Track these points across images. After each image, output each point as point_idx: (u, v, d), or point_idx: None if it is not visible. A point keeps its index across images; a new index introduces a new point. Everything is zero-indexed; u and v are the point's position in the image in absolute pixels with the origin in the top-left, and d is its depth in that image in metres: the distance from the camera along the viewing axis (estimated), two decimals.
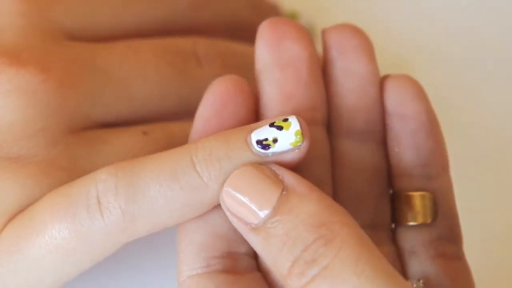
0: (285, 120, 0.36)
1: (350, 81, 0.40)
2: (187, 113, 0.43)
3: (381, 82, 0.40)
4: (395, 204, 0.40)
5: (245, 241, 0.36)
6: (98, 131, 0.41)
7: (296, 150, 0.36)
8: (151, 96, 0.42)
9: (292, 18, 0.52)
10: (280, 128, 0.36)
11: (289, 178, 0.35)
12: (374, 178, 0.40)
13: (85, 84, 0.40)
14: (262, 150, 0.35)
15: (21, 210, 0.38)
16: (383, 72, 0.53)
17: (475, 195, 0.50)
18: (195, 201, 0.36)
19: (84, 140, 0.40)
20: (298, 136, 0.35)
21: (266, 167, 0.35)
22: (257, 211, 0.34)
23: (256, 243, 0.35)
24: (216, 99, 0.38)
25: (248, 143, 0.36)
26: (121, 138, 0.41)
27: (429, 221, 0.39)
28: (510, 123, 0.52)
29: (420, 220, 0.39)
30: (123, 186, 0.35)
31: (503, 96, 0.51)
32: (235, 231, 0.36)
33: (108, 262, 0.44)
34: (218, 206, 0.36)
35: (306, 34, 0.39)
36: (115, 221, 0.35)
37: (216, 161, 0.35)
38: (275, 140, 0.35)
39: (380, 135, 0.40)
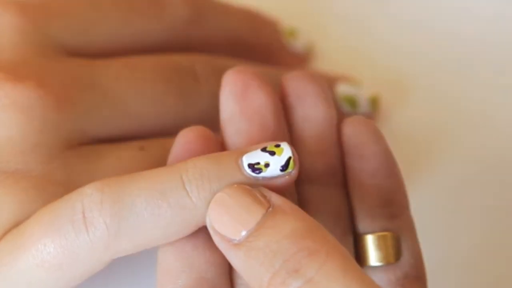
0: (277, 146, 0.36)
1: (309, 126, 0.40)
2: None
3: (338, 125, 0.41)
4: (359, 246, 0.40)
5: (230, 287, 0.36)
6: (95, 147, 0.41)
7: (287, 176, 0.36)
8: (148, 112, 0.42)
9: (291, 35, 0.52)
10: (272, 153, 0.36)
11: (276, 199, 0.35)
12: (336, 220, 0.40)
13: (82, 100, 0.41)
14: (253, 174, 0.36)
15: (16, 224, 0.38)
16: (383, 89, 0.53)
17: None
18: (182, 220, 0.36)
19: (81, 155, 0.40)
20: (290, 163, 0.36)
21: (254, 188, 0.35)
22: (240, 227, 0.34)
23: (237, 259, 0.34)
24: (181, 148, 0.38)
25: (239, 166, 0.36)
26: (118, 153, 0.41)
27: (393, 261, 0.39)
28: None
29: (384, 260, 0.39)
30: (109, 201, 0.35)
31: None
32: (220, 275, 0.36)
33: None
34: (204, 252, 0.36)
35: (267, 82, 0.39)
36: (100, 236, 0.35)
37: (206, 181, 0.35)
38: (267, 165, 0.36)
39: (341, 177, 0.40)
